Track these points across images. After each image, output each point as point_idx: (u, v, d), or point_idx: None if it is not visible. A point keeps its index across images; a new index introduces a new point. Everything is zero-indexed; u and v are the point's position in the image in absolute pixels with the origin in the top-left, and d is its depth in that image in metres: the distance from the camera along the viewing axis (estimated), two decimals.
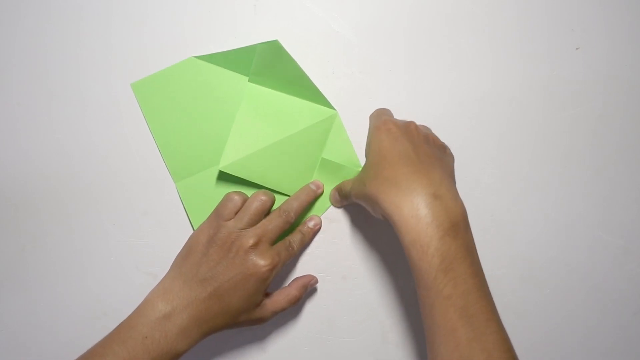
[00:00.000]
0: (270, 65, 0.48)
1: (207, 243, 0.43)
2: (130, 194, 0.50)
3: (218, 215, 0.44)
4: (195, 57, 0.49)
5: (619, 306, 0.51)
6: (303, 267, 0.50)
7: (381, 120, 0.42)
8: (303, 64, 0.48)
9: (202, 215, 0.47)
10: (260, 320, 0.45)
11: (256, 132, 0.49)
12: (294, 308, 0.50)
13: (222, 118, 0.49)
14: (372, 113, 0.47)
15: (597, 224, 0.51)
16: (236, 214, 0.44)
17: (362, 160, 0.49)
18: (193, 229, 0.49)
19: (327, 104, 0.49)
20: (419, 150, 0.39)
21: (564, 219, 0.50)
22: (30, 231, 0.50)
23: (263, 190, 0.47)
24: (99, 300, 0.50)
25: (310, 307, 0.50)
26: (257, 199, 0.45)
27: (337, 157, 0.49)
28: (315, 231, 0.49)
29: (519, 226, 0.50)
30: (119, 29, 0.49)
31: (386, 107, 0.48)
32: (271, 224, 0.44)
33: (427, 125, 0.47)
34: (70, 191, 0.50)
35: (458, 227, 0.36)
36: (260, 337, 0.50)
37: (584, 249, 0.51)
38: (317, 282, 0.49)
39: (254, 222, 0.44)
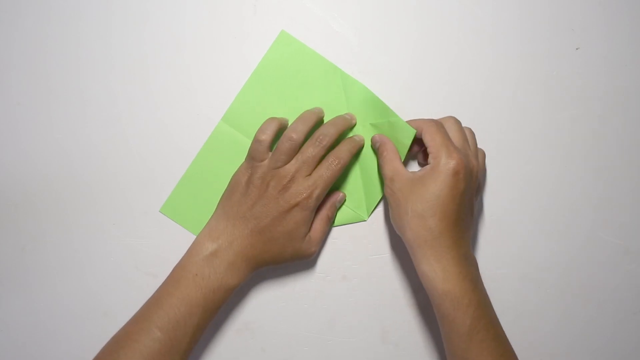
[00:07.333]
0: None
1: (246, 184, 0.45)
2: (130, 194, 0.50)
3: (251, 158, 0.46)
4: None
5: (618, 306, 0.51)
6: (302, 268, 0.50)
7: (458, 159, 0.42)
8: None
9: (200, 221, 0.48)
10: (308, 254, 0.46)
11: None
12: (295, 308, 0.50)
13: None
14: (437, 127, 0.44)
15: (597, 224, 0.51)
16: (269, 152, 0.46)
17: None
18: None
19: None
20: (466, 203, 0.43)
21: (564, 219, 0.50)
22: (30, 231, 0.50)
23: (293, 126, 0.46)
24: (99, 300, 0.50)
25: (310, 307, 0.50)
26: (288, 139, 0.45)
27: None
28: (362, 138, 0.48)
29: (519, 226, 0.50)
30: (119, 29, 0.49)
31: (447, 119, 0.47)
32: (305, 155, 0.45)
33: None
34: (70, 191, 0.50)
35: (480, 279, 0.43)
36: (260, 337, 0.50)
37: (584, 249, 0.51)
38: (344, 196, 0.49)
39: (288, 160, 0.45)
